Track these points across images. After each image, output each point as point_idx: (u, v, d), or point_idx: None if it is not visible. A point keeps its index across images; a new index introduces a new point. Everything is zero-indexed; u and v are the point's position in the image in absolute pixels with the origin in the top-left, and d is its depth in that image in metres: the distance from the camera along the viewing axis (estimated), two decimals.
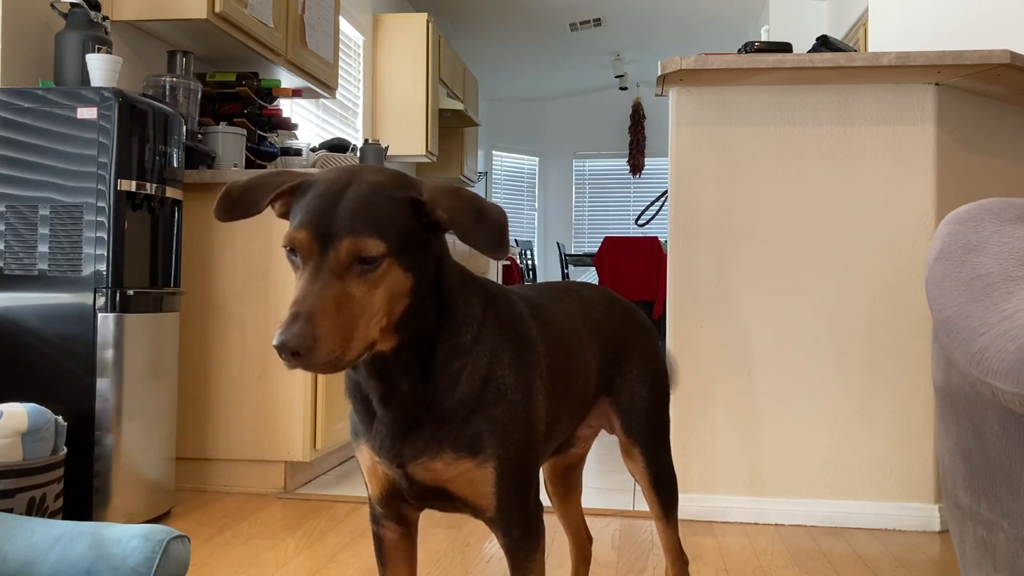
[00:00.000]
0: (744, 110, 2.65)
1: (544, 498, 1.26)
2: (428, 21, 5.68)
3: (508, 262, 6.28)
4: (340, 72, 4.94)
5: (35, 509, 1.94)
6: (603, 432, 1.56)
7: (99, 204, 2.27)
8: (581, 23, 7.30)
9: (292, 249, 0.96)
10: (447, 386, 1.07)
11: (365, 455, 1.13)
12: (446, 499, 1.12)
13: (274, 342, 0.89)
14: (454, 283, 1.09)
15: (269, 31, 3.40)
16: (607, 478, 3.08)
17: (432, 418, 1.07)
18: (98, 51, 2.50)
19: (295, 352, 0.89)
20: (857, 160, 2.61)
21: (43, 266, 2.29)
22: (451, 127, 6.57)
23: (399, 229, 0.97)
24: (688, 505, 2.57)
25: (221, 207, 1.04)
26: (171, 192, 2.47)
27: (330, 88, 4.12)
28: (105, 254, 2.28)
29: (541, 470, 1.29)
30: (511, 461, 1.09)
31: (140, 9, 2.94)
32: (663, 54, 6.95)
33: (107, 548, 1.10)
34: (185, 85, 3.04)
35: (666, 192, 3.32)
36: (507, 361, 1.11)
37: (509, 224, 1.02)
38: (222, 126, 3.19)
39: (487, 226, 0.99)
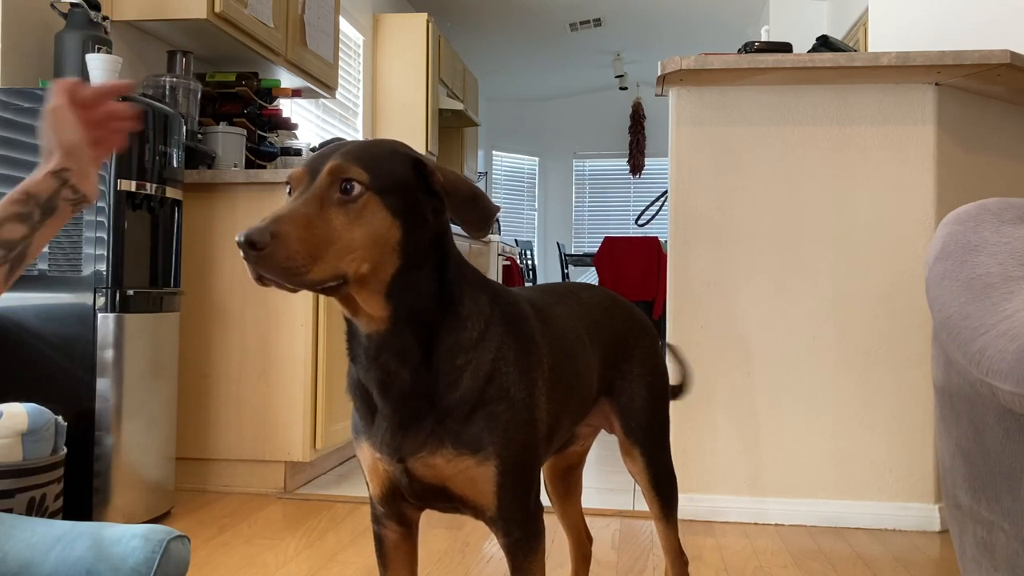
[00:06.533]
0: (744, 110, 2.65)
1: (544, 498, 1.26)
2: (428, 21, 5.68)
3: (508, 262, 6.27)
4: (340, 72, 4.94)
5: (35, 509, 1.94)
6: (603, 432, 1.56)
7: (99, 204, 2.27)
8: (581, 23, 7.30)
9: (291, 191, 1.00)
10: (450, 381, 1.06)
11: (366, 452, 1.13)
12: (446, 499, 1.12)
13: (237, 236, 0.90)
14: (459, 277, 1.09)
15: (269, 31, 3.40)
16: (607, 478, 3.08)
17: (433, 412, 1.06)
18: (98, 51, 2.50)
19: (252, 243, 0.89)
20: (857, 160, 2.61)
21: (43, 266, 2.29)
22: (451, 127, 6.57)
23: (390, 173, 0.99)
24: (688, 505, 2.57)
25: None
26: (171, 192, 2.47)
27: (330, 88, 4.13)
28: (105, 254, 2.28)
29: (541, 470, 1.29)
30: (512, 461, 1.09)
31: (140, 9, 2.94)
32: (663, 54, 6.95)
33: (107, 548, 1.10)
34: (185, 85, 3.04)
35: (666, 192, 3.32)
36: (512, 360, 1.11)
37: (499, 212, 1.07)
38: (222, 126, 3.19)
39: (477, 207, 1.03)
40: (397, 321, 1.03)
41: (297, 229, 0.91)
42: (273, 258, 0.90)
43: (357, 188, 0.96)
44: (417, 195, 1.02)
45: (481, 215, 1.03)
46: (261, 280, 0.92)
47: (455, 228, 1.14)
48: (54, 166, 0.89)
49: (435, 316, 1.06)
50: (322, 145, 3.81)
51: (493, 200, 1.08)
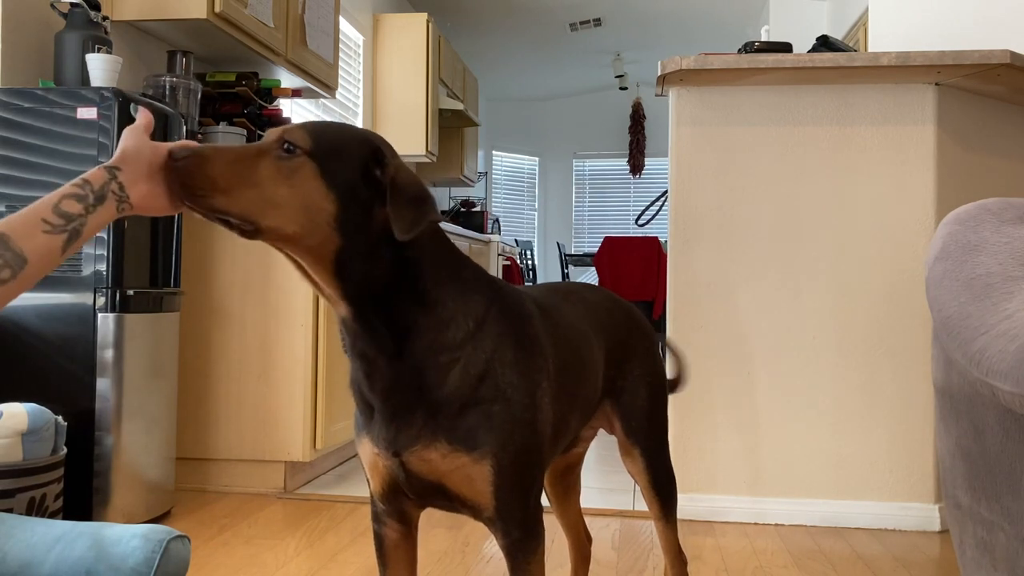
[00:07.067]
0: (744, 110, 2.65)
1: (543, 498, 1.26)
2: (428, 21, 5.68)
3: (508, 262, 6.27)
4: (340, 72, 4.94)
5: (35, 509, 1.94)
6: (603, 432, 1.57)
7: None
8: (581, 23, 7.29)
9: None
10: (436, 376, 1.06)
11: (366, 448, 1.13)
12: (444, 496, 1.12)
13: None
14: (439, 277, 1.08)
15: (269, 31, 3.40)
16: (607, 478, 3.08)
17: (423, 406, 1.07)
18: (98, 51, 2.50)
19: (171, 153, 0.98)
20: (857, 160, 2.61)
21: None
22: (451, 127, 6.56)
23: (338, 150, 1.02)
24: (688, 505, 2.57)
25: None
26: None
27: (330, 88, 4.12)
28: (105, 254, 2.28)
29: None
30: (510, 461, 1.09)
31: (140, 9, 2.94)
32: (663, 54, 6.94)
33: (107, 548, 1.10)
34: (185, 85, 3.04)
35: (666, 192, 3.32)
36: (510, 360, 1.10)
37: (437, 222, 1.08)
38: (222, 126, 3.19)
39: (416, 210, 1.02)
40: (354, 303, 1.04)
41: (217, 157, 0.97)
42: (181, 171, 0.96)
43: (295, 151, 1.00)
44: (364, 181, 1.03)
45: (412, 218, 1.01)
46: (179, 200, 0.98)
47: (454, 228, 1.13)
48: (109, 162, 1.00)
49: (404, 309, 1.05)
50: None
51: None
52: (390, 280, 1.05)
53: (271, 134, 1.03)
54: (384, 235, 1.04)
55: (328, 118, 4.97)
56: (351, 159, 1.02)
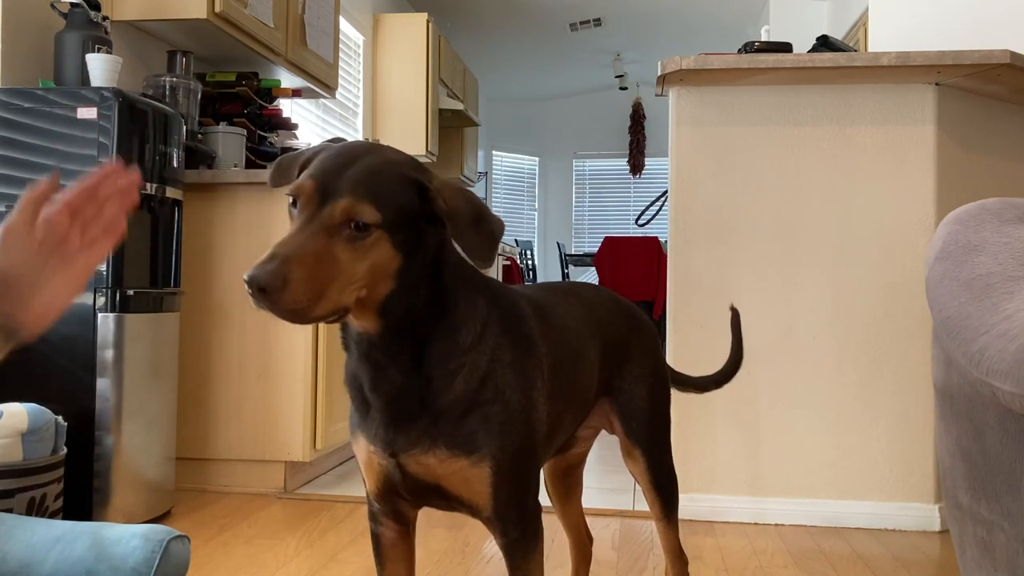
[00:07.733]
0: (744, 110, 2.65)
1: (544, 498, 1.25)
2: (428, 21, 5.68)
3: (508, 262, 6.27)
4: (340, 72, 4.94)
5: (35, 509, 1.94)
6: (603, 432, 1.56)
7: None
8: (581, 23, 7.30)
9: (294, 202, 0.98)
10: (443, 383, 1.06)
11: (361, 446, 1.13)
12: (441, 497, 1.12)
13: (245, 276, 0.89)
14: (455, 282, 1.08)
15: (269, 31, 3.40)
16: (607, 478, 3.08)
17: (426, 412, 1.06)
18: (98, 51, 2.50)
19: (262, 289, 0.89)
20: (857, 160, 2.61)
21: None
22: (451, 127, 6.56)
23: (399, 207, 0.98)
24: (688, 505, 2.56)
25: (272, 174, 1.12)
26: (171, 192, 2.47)
27: (330, 88, 4.13)
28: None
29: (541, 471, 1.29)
30: (508, 461, 1.09)
31: (140, 9, 2.94)
32: (663, 54, 6.93)
33: (107, 548, 1.10)
34: (185, 85, 3.04)
35: (666, 192, 3.32)
36: (507, 360, 1.11)
37: (504, 233, 1.04)
38: (222, 126, 3.19)
39: (481, 232, 1.01)
40: (386, 327, 1.03)
41: (307, 270, 0.91)
42: (280, 301, 0.89)
43: (368, 227, 0.95)
44: (420, 223, 1.01)
45: (487, 241, 1.00)
46: (260, 306, 0.92)
47: None
48: None
49: (428, 323, 1.06)
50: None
51: (494, 207, 1.07)
52: (426, 300, 1.05)
53: (306, 194, 0.95)
54: (432, 261, 1.04)
55: (328, 118, 4.97)
56: (408, 210, 0.99)
